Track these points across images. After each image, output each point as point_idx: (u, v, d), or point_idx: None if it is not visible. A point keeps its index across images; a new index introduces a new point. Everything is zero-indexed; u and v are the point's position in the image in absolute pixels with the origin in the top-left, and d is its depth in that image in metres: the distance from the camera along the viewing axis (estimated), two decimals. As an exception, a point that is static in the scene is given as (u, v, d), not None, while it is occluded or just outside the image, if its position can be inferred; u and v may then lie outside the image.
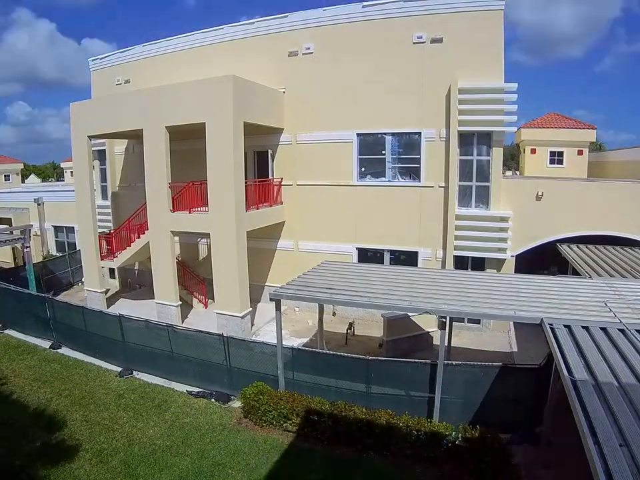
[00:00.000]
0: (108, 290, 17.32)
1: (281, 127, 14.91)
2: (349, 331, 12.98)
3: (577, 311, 7.46)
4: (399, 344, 11.76)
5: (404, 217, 13.80)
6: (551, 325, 6.82)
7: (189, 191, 13.28)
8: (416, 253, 13.95)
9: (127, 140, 17.66)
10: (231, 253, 12.59)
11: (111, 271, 18.55)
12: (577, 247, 12.76)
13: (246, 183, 13.51)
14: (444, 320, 8.01)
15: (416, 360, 8.75)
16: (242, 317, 12.91)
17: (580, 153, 23.39)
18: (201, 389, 10.40)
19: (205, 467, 7.88)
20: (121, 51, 17.90)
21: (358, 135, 14.20)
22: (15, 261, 21.50)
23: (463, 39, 12.57)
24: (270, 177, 15.37)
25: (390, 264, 14.09)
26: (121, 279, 18.75)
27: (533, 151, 24.17)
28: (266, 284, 15.81)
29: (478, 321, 13.15)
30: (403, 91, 13.32)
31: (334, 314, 14.74)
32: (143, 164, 13.66)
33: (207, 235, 13.28)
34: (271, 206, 14.69)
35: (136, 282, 18.75)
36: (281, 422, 8.77)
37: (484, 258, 13.27)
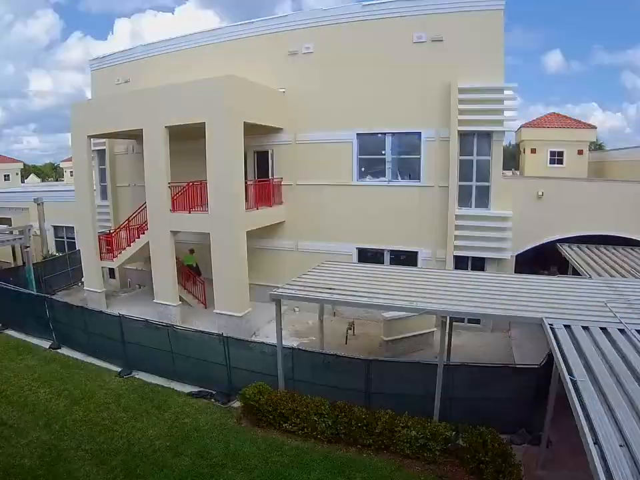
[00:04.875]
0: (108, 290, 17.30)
1: (281, 127, 14.89)
2: (349, 330, 12.98)
3: (577, 310, 7.45)
4: (398, 344, 11.76)
5: (404, 217, 13.79)
6: (551, 324, 6.81)
7: (189, 190, 13.27)
8: (416, 253, 13.94)
9: (126, 140, 17.65)
10: (230, 252, 12.59)
11: (111, 270, 18.54)
12: (577, 247, 12.76)
13: (246, 182, 13.52)
14: (444, 320, 8.01)
15: (416, 360, 8.76)
16: (242, 317, 12.90)
17: (580, 152, 23.42)
18: (200, 389, 10.39)
19: (205, 467, 7.88)
20: (121, 50, 17.89)
21: (358, 134, 14.19)
22: (14, 260, 21.48)
23: (463, 39, 12.56)
24: (270, 177, 15.37)
25: (390, 264, 14.08)
26: (120, 279, 18.76)
27: (533, 151, 24.21)
28: (266, 284, 15.79)
29: (478, 321, 13.13)
30: (403, 90, 13.32)
31: (334, 314, 14.75)
32: (143, 164, 13.66)
33: (205, 235, 13.29)
34: (270, 206, 14.68)
35: (136, 282, 18.75)
36: (281, 422, 8.76)
37: (484, 258, 13.26)
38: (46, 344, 13.23)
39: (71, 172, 24.71)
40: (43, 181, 60.56)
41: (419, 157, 13.63)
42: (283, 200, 15.36)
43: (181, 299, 14.79)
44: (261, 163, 15.69)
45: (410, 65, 13.18)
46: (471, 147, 13.17)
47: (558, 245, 12.97)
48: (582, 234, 12.73)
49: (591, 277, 9.84)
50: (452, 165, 12.92)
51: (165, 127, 12.92)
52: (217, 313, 13.18)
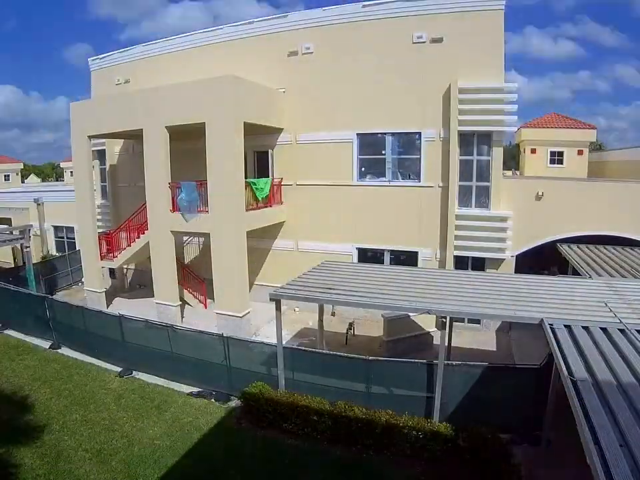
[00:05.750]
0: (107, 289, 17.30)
1: (281, 127, 14.89)
2: (349, 331, 12.97)
3: (577, 310, 7.46)
4: (398, 344, 11.76)
5: (404, 217, 13.79)
6: (551, 324, 6.81)
7: (189, 190, 13.24)
8: (416, 253, 13.94)
9: (126, 140, 17.65)
10: (230, 253, 12.59)
11: (111, 270, 18.54)
12: (577, 247, 12.75)
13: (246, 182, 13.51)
14: (444, 320, 8.00)
15: (416, 360, 8.74)
16: (242, 317, 12.90)
17: (580, 152, 23.40)
18: (200, 389, 10.40)
19: (205, 467, 7.88)
20: (120, 50, 17.88)
21: (358, 134, 14.19)
22: (14, 260, 21.49)
23: (463, 39, 12.56)
24: (270, 177, 15.37)
25: (390, 264, 14.08)
26: (120, 279, 18.75)
27: (533, 151, 24.17)
28: (266, 284, 15.79)
29: (478, 321, 13.14)
30: (403, 90, 13.31)
31: (333, 314, 14.74)
32: (143, 164, 13.66)
33: (203, 235, 13.31)
34: (271, 206, 14.68)
35: (136, 282, 18.75)
36: (281, 422, 8.75)
37: (484, 258, 13.26)
38: (46, 344, 13.22)
39: (71, 172, 24.74)
40: (43, 180, 60.56)
41: (419, 157, 13.63)
42: (283, 200, 15.36)
43: (181, 298, 14.80)
44: (261, 163, 15.69)
45: (410, 64, 13.17)
46: (471, 147, 13.16)
47: (558, 245, 12.97)
48: (582, 234, 12.72)
49: (591, 277, 9.83)
50: (452, 165, 12.91)
51: (165, 127, 12.92)
52: (217, 313, 13.19)
